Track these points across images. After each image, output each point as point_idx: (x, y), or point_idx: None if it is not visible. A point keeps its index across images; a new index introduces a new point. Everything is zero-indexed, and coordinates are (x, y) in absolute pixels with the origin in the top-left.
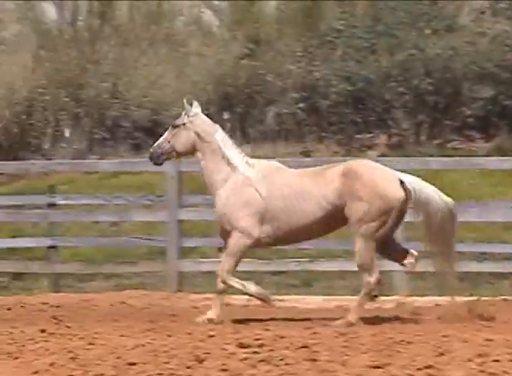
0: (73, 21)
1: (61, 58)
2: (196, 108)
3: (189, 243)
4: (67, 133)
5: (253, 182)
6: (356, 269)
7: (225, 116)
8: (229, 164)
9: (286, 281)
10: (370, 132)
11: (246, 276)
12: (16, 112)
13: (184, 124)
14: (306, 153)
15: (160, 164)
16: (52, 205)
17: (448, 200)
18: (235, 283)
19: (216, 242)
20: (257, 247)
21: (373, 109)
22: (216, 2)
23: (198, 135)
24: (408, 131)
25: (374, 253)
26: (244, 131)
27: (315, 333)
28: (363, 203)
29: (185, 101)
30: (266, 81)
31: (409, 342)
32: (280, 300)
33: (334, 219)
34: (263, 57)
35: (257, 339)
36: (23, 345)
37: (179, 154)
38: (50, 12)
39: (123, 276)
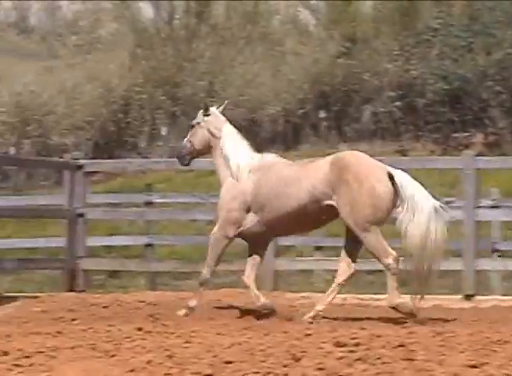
0: (169, 20)
1: (158, 56)
2: (212, 107)
3: (285, 241)
4: (164, 132)
5: (244, 175)
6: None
7: (322, 114)
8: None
9: (382, 280)
10: (467, 131)
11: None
12: (112, 110)
13: (199, 123)
14: (402, 152)
15: (187, 165)
16: (148, 203)
17: (434, 200)
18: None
19: (311, 241)
20: (253, 236)
21: (469, 108)
22: (313, 1)
23: (211, 132)
24: (505, 130)
25: (380, 235)
26: (340, 130)
27: (411, 332)
28: (354, 194)
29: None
30: (362, 80)
31: (506, 342)
32: (376, 299)
33: (320, 208)
34: (359, 56)
35: (354, 338)
36: (120, 343)
37: (198, 153)
38: (147, 10)
39: (219, 275)
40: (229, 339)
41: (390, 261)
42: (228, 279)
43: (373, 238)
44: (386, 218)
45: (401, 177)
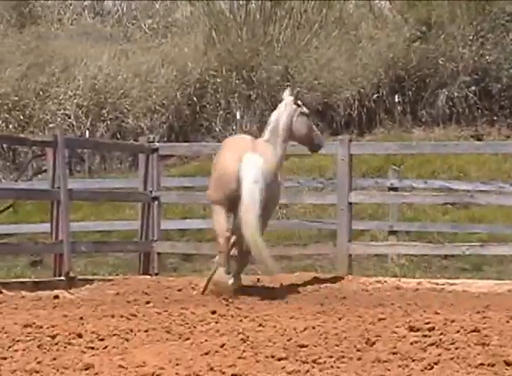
0: (245, 3)
1: (233, 40)
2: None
3: (360, 226)
4: (238, 115)
5: None
6: None
7: (396, 99)
8: None
9: (457, 265)
10: None
11: (417, 259)
12: (187, 94)
13: None
14: (477, 137)
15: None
16: None
17: (256, 182)
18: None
19: (386, 225)
20: None
21: None
22: None
23: None
24: None
25: (221, 215)
26: (415, 114)
27: (485, 317)
28: (213, 176)
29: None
30: (437, 65)
31: None
32: (451, 284)
33: None
34: (434, 40)
35: (428, 323)
36: (194, 326)
37: None
38: None
39: (293, 259)
40: (303, 323)
41: (220, 240)
42: (301, 263)
43: (214, 216)
44: (234, 197)
45: (245, 162)
